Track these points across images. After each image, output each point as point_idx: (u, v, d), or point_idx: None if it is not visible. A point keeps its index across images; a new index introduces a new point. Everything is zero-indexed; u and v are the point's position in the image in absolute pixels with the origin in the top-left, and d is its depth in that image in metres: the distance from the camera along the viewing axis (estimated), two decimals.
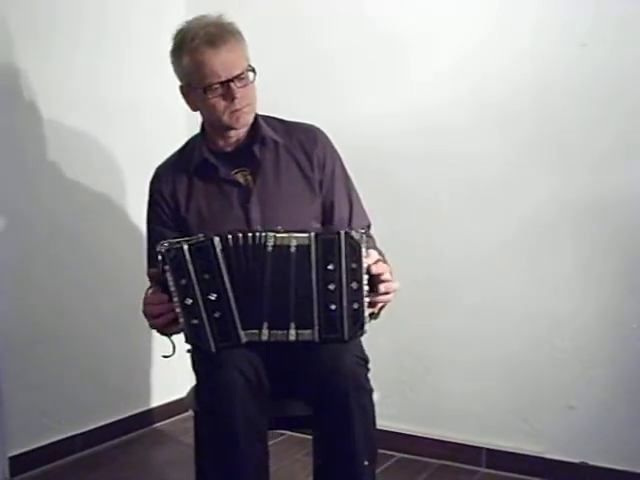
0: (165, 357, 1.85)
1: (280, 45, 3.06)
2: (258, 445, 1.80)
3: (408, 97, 2.86)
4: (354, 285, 1.74)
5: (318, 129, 2.14)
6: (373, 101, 2.91)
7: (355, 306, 1.75)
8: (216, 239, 1.73)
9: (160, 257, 1.73)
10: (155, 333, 1.87)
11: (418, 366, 2.88)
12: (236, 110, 1.97)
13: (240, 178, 2.05)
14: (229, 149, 2.07)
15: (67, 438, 2.87)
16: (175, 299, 1.71)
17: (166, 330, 1.81)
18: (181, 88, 2.05)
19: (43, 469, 2.77)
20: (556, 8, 2.62)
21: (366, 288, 1.76)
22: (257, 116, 2.07)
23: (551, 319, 2.68)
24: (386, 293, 1.81)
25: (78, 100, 2.84)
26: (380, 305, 1.83)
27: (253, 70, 1.98)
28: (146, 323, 1.84)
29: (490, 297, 2.78)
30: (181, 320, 1.72)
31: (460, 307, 2.80)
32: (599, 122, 2.58)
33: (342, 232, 1.74)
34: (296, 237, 1.75)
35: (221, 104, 1.97)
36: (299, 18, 3.05)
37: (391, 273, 1.83)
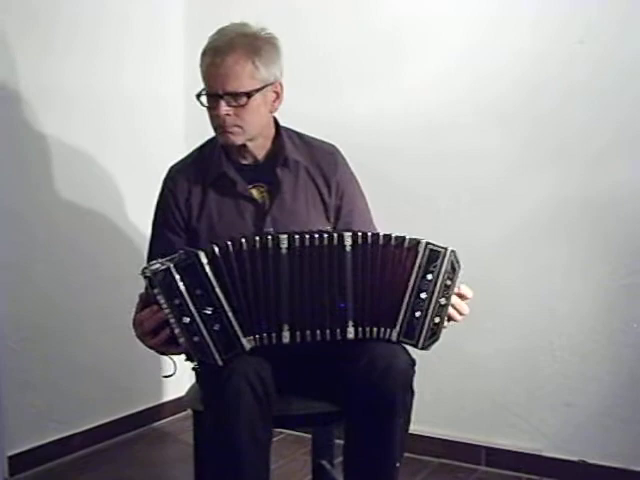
0: (166, 377, 1.85)
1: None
2: (261, 460, 1.79)
3: (406, 96, 2.86)
4: (442, 301, 1.80)
5: (337, 151, 2.12)
6: (371, 100, 2.91)
7: (436, 320, 1.80)
8: (201, 254, 1.71)
9: (147, 281, 1.72)
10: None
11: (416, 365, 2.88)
12: (221, 127, 1.94)
13: (256, 193, 2.02)
14: (247, 162, 2.04)
15: (66, 437, 2.87)
16: (172, 320, 1.71)
17: (165, 349, 1.78)
18: None
19: (42, 468, 2.77)
20: (554, 5, 2.62)
21: (450, 308, 1.82)
22: (282, 132, 2.05)
23: (549, 317, 2.68)
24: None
25: (76, 99, 2.84)
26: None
27: (248, 94, 1.90)
28: None
29: (489, 295, 2.78)
30: (181, 340, 1.71)
31: None
32: (597, 120, 2.58)
33: (449, 249, 1.79)
34: (409, 239, 1.79)
35: (211, 116, 1.95)
36: (298, 17, 3.05)
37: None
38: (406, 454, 2.96)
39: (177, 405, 3.21)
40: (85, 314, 2.92)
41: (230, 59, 1.89)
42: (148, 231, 2.10)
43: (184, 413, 3.21)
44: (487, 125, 2.74)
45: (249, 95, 1.91)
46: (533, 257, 2.71)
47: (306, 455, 2.56)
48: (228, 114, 1.91)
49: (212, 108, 1.93)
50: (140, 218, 3.09)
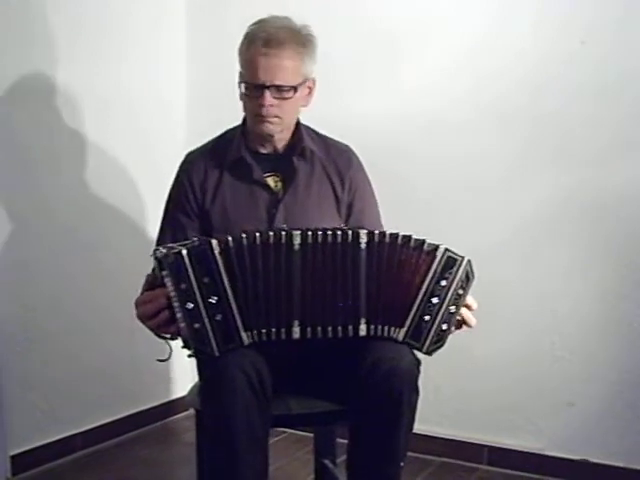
0: (160, 361, 1.84)
1: None
2: (258, 455, 1.79)
3: (407, 96, 2.87)
4: (452, 308, 1.79)
5: (352, 150, 2.15)
6: (371, 101, 2.91)
7: (444, 327, 1.79)
8: (214, 242, 1.72)
9: (157, 263, 1.72)
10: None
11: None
12: (261, 116, 1.96)
13: (271, 182, 2.05)
14: (266, 151, 2.06)
15: (68, 436, 2.87)
16: (176, 304, 1.71)
17: (163, 332, 1.78)
18: (239, 73, 2.03)
19: (44, 468, 2.77)
20: (555, 5, 2.62)
21: (458, 317, 1.81)
22: (300, 125, 2.08)
23: (551, 317, 2.69)
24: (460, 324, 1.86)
25: (78, 99, 2.85)
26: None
27: (295, 88, 1.96)
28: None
29: (489, 295, 2.78)
30: (182, 325, 1.71)
31: None
32: (598, 120, 2.59)
33: (466, 258, 1.79)
34: (428, 243, 1.79)
35: (251, 105, 1.97)
36: (297, 17, 3.04)
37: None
38: (408, 453, 2.98)
39: (180, 405, 3.21)
40: (87, 314, 2.92)
41: (283, 52, 1.93)
42: (153, 229, 2.12)
43: (187, 412, 3.21)
44: (487, 125, 2.75)
45: (296, 89, 1.96)
46: (533, 257, 2.72)
47: (308, 454, 2.57)
48: (272, 105, 1.94)
49: (255, 97, 1.95)
50: (144, 217, 3.11)
